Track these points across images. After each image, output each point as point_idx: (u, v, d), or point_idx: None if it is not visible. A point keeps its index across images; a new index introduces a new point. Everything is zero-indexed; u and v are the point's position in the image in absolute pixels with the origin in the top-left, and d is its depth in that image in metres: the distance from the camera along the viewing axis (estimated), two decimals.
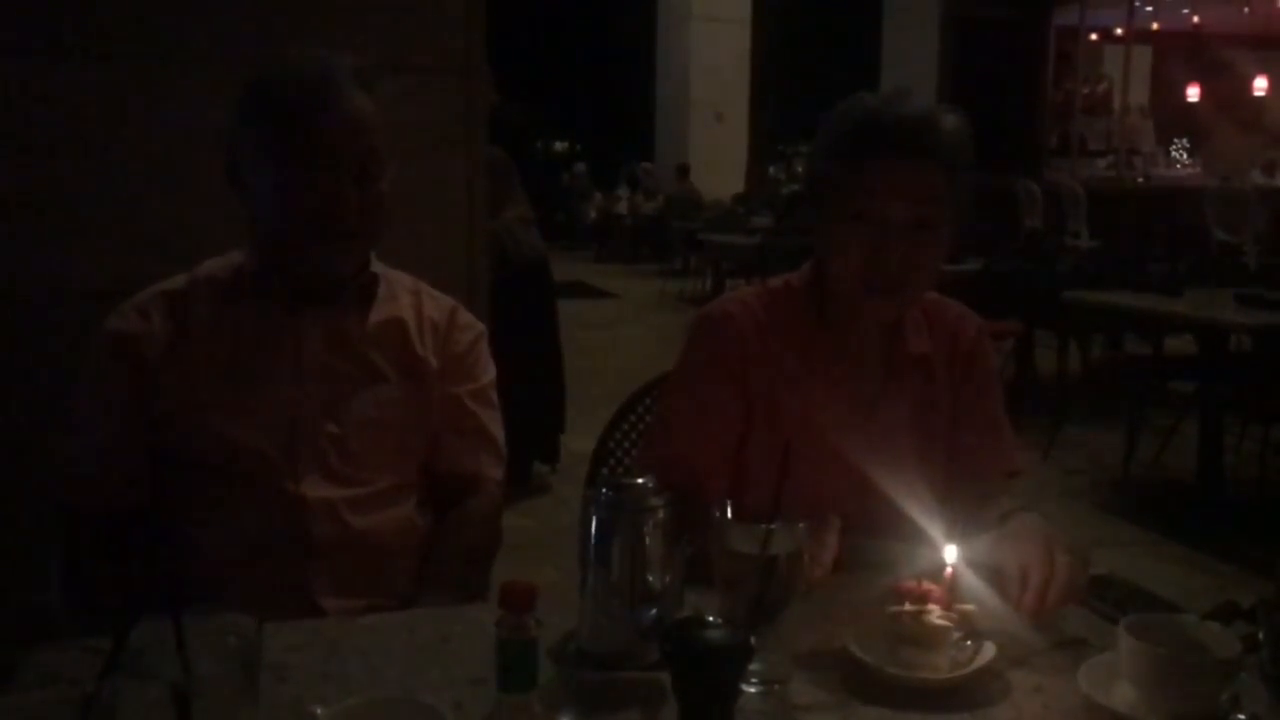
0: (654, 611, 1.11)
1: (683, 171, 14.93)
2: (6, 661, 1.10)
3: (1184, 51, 15.01)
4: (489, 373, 1.67)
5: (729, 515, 1.14)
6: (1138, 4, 13.24)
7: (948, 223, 1.47)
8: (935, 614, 1.14)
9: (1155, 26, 14.45)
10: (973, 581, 1.25)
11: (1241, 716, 1.03)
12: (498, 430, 1.65)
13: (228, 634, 0.91)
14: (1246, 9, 13.54)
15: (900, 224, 1.44)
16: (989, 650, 1.14)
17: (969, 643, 1.14)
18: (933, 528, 1.35)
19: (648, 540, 1.12)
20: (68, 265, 2.09)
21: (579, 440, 4.14)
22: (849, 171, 1.46)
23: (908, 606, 1.15)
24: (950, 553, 1.21)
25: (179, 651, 0.87)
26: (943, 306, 1.63)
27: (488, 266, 2.42)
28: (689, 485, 1.28)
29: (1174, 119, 14.82)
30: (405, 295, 1.61)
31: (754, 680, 1.07)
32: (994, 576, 1.28)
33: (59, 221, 2.10)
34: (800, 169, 14.36)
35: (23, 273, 2.09)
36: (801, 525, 1.12)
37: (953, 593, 1.18)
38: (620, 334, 9.06)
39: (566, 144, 25.15)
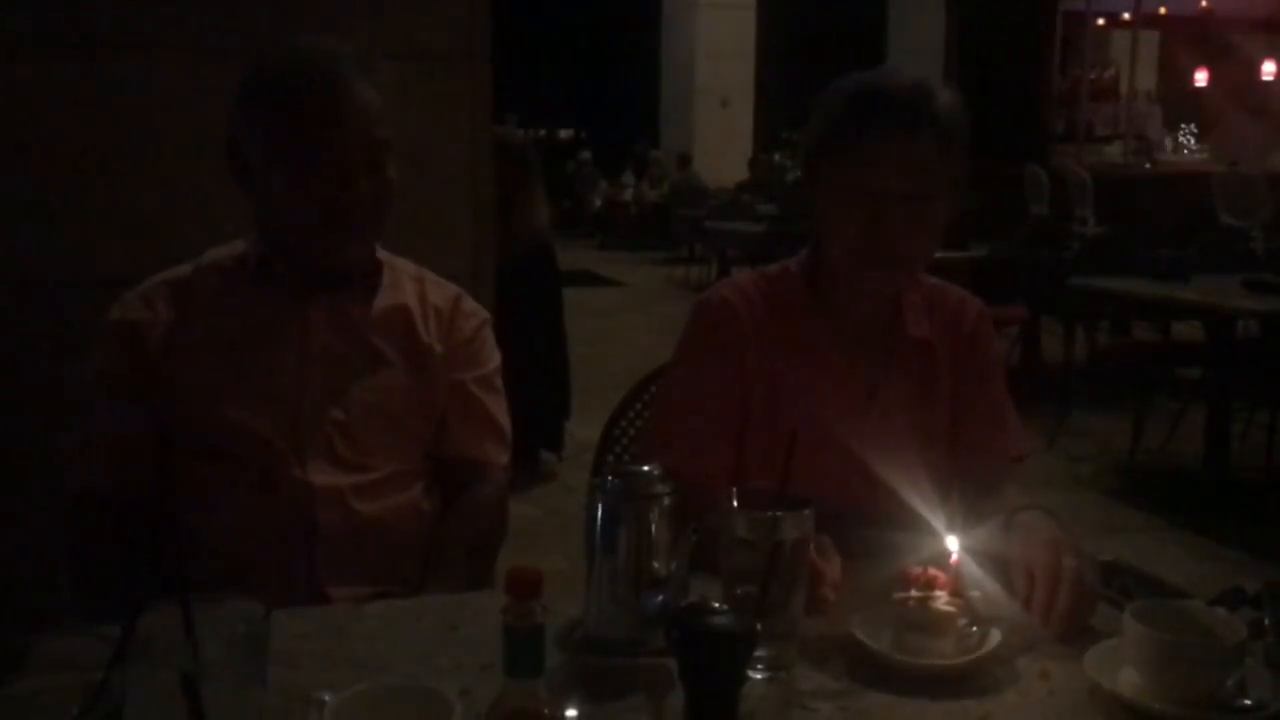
0: (660, 598, 1.11)
1: (684, 160, 14.87)
2: (15, 648, 1.10)
3: (1192, 36, 14.92)
4: (494, 359, 1.67)
5: (734, 503, 1.14)
6: None
7: (944, 196, 1.47)
8: (941, 600, 1.14)
9: (1162, 11, 14.36)
10: (978, 569, 1.25)
11: (1247, 701, 1.03)
12: (503, 417, 1.66)
13: (236, 621, 0.91)
14: None
15: (896, 195, 1.43)
16: (995, 636, 1.14)
17: (975, 629, 1.14)
18: (934, 514, 1.35)
19: (653, 527, 1.13)
20: (74, 256, 2.09)
21: (584, 428, 4.15)
22: (844, 145, 1.46)
23: (914, 593, 1.15)
24: (954, 540, 1.21)
25: (187, 638, 0.87)
26: (944, 291, 1.63)
27: (491, 253, 2.41)
28: (690, 472, 1.28)
29: (1181, 104, 14.73)
30: (409, 282, 1.62)
31: (760, 666, 1.08)
32: (1000, 564, 1.28)
33: (65, 212, 2.10)
34: None
35: (29, 264, 2.09)
36: (806, 512, 1.12)
37: (958, 580, 1.18)
38: (625, 322, 9.05)
39: (571, 132, 25.08)
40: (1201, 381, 4.76)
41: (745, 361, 1.53)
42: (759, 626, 0.96)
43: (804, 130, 1.55)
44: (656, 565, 1.13)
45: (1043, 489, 4.09)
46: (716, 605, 0.96)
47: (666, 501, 1.13)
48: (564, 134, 25.01)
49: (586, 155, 18.83)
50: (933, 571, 1.17)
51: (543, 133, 23.62)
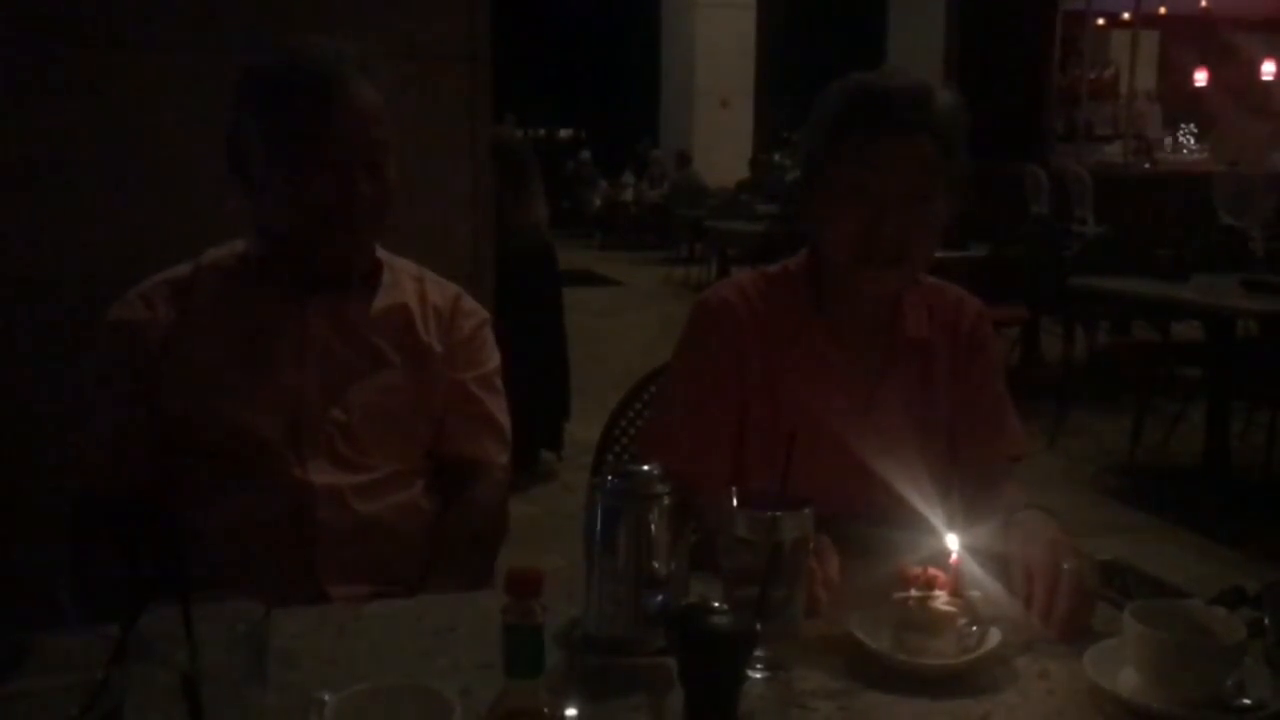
0: (660, 597, 1.11)
1: (683, 159, 14.86)
2: (15, 647, 1.10)
3: (1191, 36, 14.92)
4: (493, 359, 1.67)
5: (734, 503, 1.14)
6: None
7: (943, 197, 1.47)
8: (941, 600, 1.14)
9: (1162, 11, 14.36)
10: (978, 569, 1.25)
11: (1246, 701, 1.03)
12: (503, 416, 1.66)
13: (236, 621, 0.91)
14: None
15: (896, 195, 1.43)
16: (995, 636, 1.14)
17: (975, 628, 1.14)
18: (933, 513, 1.35)
19: (653, 527, 1.13)
20: (74, 256, 2.09)
21: (584, 428, 4.15)
22: (843, 146, 1.46)
23: (914, 592, 1.15)
24: (953, 540, 1.21)
25: (188, 638, 0.87)
26: (942, 290, 1.63)
27: (491, 253, 2.42)
28: (689, 471, 1.28)
29: (1181, 104, 14.73)
30: (409, 282, 1.62)
31: (759, 666, 1.08)
32: (1000, 563, 1.28)
33: (65, 212, 2.10)
34: None
35: (31, 262, 2.09)
36: (806, 512, 1.12)
37: (958, 579, 1.18)
38: (625, 321, 9.05)
39: (571, 132, 25.07)
40: (1201, 381, 4.76)
41: (745, 361, 1.53)
42: (759, 626, 0.96)
43: (804, 130, 1.55)
44: (656, 565, 1.13)
45: (1043, 489, 4.09)
46: (716, 605, 0.96)
47: (666, 501, 1.13)
48: (564, 134, 24.99)
49: (586, 155, 18.83)
50: (933, 571, 1.18)
51: (543, 132, 23.61)
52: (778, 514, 1.09)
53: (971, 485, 1.56)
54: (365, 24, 2.13)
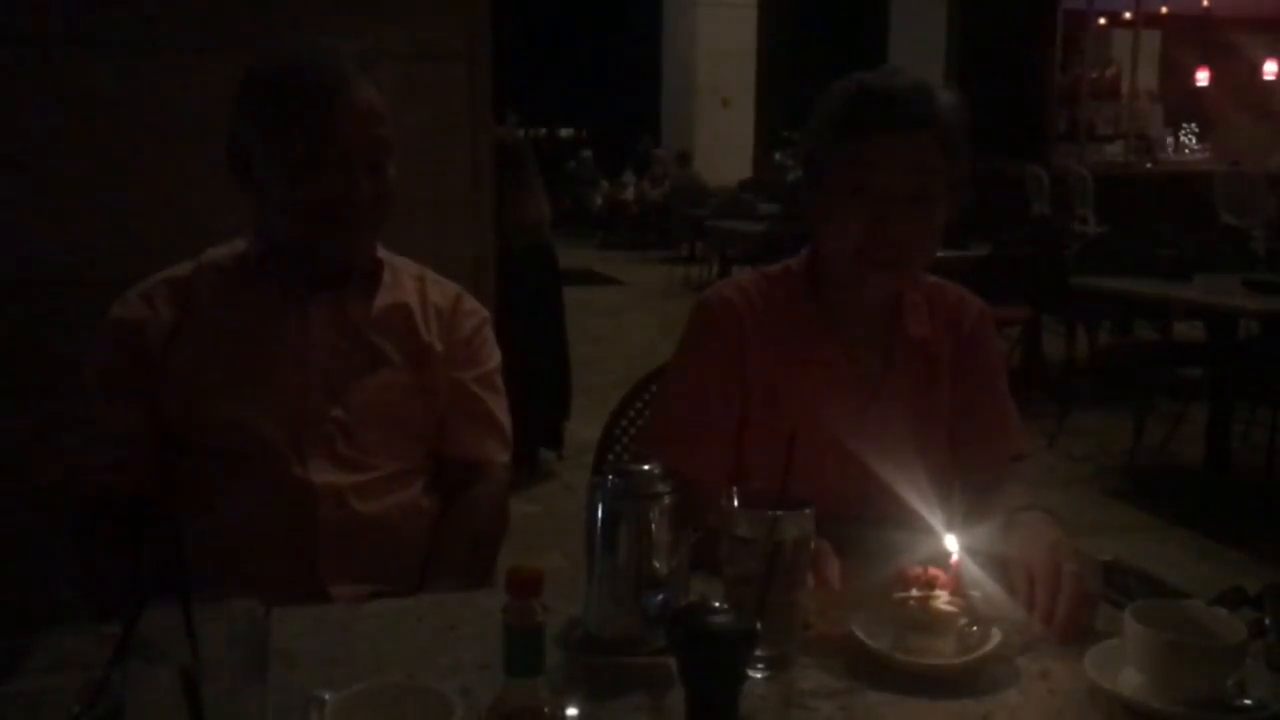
0: (660, 597, 1.11)
1: (684, 159, 14.86)
2: (16, 646, 1.10)
3: (1193, 35, 14.90)
4: (494, 358, 1.67)
5: (734, 503, 1.14)
6: None
7: (945, 197, 1.47)
8: (942, 600, 1.14)
9: (1164, 10, 14.35)
10: (978, 569, 1.25)
11: (1247, 701, 1.03)
12: (504, 415, 1.66)
13: (236, 620, 0.91)
14: None
15: (897, 195, 1.43)
16: (995, 636, 1.14)
17: (975, 628, 1.14)
18: (933, 514, 1.34)
19: (654, 526, 1.12)
20: (74, 256, 2.09)
21: (585, 427, 4.15)
22: (845, 146, 1.46)
23: (914, 592, 1.15)
24: (954, 540, 1.21)
25: (188, 637, 0.87)
26: (944, 290, 1.63)
27: (491, 253, 2.42)
28: (688, 470, 1.28)
29: (1183, 103, 14.71)
30: (410, 281, 1.62)
31: (760, 665, 1.08)
32: (1000, 564, 1.28)
33: (65, 212, 2.10)
34: None
35: (33, 262, 2.09)
36: (806, 512, 1.12)
37: (959, 579, 1.18)
38: (626, 321, 9.05)
39: (572, 131, 25.07)
40: (1202, 381, 4.76)
41: (745, 361, 1.53)
42: (759, 626, 0.96)
43: (805, 130, 1.55)
44: (656, 564, 1.13)
45: (1043, 489, 4.06)
46: (716, 605, 0.96)
47: (666, 501, 1.13)
48: (564, 133, 24.99)
49: (587, 154, 18.83)
50: (933, 571, 1.17)
51: (543, 132, 23.63)
52: (778, 514, 1.09)
53: (973, 485, 1.56)
54: (365, 24, 2.13)
